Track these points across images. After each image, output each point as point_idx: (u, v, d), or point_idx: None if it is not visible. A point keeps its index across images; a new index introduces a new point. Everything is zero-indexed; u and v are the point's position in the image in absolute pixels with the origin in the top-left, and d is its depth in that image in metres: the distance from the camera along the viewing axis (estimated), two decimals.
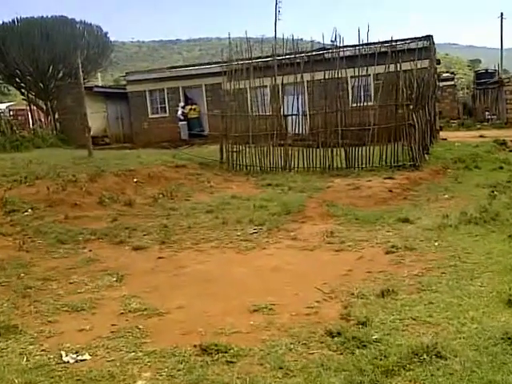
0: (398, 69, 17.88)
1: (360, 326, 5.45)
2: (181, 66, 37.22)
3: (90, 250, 9.48)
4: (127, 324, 5.94)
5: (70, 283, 7.61)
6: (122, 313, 6.31)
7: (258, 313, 6.12)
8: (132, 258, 9.01)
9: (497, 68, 64.41)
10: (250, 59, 19.24)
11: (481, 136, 32.03)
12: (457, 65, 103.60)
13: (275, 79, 19.11)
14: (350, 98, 19.65)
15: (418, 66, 18.70)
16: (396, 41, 19.63)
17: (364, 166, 17.57)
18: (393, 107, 17.95)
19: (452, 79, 61.00)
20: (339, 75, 18.15)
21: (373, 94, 21.40)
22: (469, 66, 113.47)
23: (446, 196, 13.75)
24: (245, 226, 10.85)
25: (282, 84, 19.02)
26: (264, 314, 6.06)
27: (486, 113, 52.75)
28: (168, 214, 12.07)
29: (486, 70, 62.40)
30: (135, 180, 14.69)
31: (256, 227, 10.65)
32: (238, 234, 10.26)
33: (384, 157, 17.54)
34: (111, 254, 9.29)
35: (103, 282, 7.60)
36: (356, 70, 18.27)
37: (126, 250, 9.50)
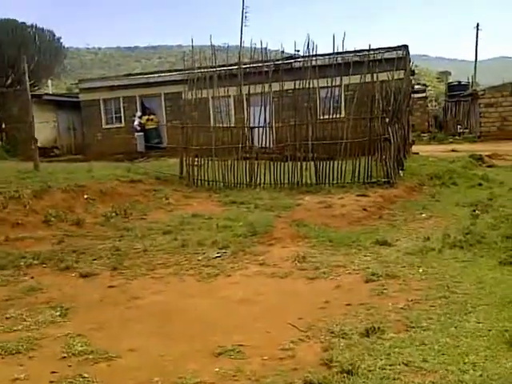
0: (374, 79, 17.46)
1: (345, 375, 4.84)
2: (138, 74, 36.40)
3: (32, 277, 8.73)
4: (70, 371, 5.24)
5: (7, 318, 6.86)
6: (65, 356, 5.60)
7: (225, 356, 5.49)
8: (79, 287, 8.31)
9: (470, 80, 64.91)
10: (213, 67, 18.60)
11: (453, 150, 32.10)
12: (426, 76, 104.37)
13: (240, 89, 18.56)
14: (320, 109, 19.16)
15: (394, 77, 18.27)
16: (369, 50, 19.23)
17: (335, 182, 17.07)
18: (367, 120, 17.47)
19: (423, 91, 61.20)
20: (309, 85, 17.63)
21: (343, 106, 20.94)
22: (438, 77, 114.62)
23: (424, 215, 13.38)
24: (207, 249, 10.22)
25: (249, 94, 18.43)
26: (231, 359, 5.44)
27: (458, 126, 52.97)
28: (121, 235, 11.37)
29: (459, 82, 62.77)
30: (85, 196, 13.95)
31: (219, 250, 10.03)
32: (200, 258, 9.62)
33: (356, 173, 17.07)
34: (55, 281, 8.57)
35: (45, 316, 6.87)
36: (327, 80, 17.76)
37: (73, 278, 8.78)
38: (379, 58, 19.04)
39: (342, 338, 5.79)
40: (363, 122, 17.74)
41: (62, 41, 40.59)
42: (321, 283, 8.08)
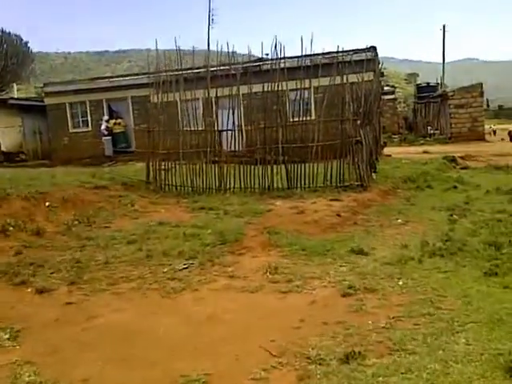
0: (344, 81, 16.92)
1: None
2: (104, 77, 35.65)
3: None
4: None
5: None
6: None
7: None
8: (34, 305, 7.63)
9: (439, 81, 64.99)
10: (179, 70, 17.91)
11: (425, 152, 31.89)
12: (394, 78, 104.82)
13: (208, 91, 17.91)
14: (289, 112, 18.57)
15: (364, 79, 17.77)
16: (338, 52, 18.68)
17: (307, 186, 16.52)
18: (338, 122, 16.94)
19: (393, 93, 61.19)
20: (278, 88, 17.03)
21: (313, 109, 20.40)
22: (406, 79, 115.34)
23: (400, 220, 12.84)
24: (173, 259, 9.57)
25: (217, 97, 17.77)
26: None
27: (428, 127, 52.88)
28: (82, 246, 10.66)
29: (428, 83, 62.82)
30: (47, 204, 13.20)
31: (186, 262, 9.40)
32: (165, 270, 8.97)
33: (329, 176, 16.53)
34: (9, 298, 7.88)
35: None
36: (295, 82, 17.19)
37: (28, 293, 8.09)
38: (348, 59, 18.50)
39: (319, 364, 5.20)
40: (334, 124, 17.21)
41: (29, 45, 39.66)
42: (294, 298, 7.49)
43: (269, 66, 17.91)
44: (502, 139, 46.00)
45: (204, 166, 17.13)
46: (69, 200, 13.87)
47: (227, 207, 14.25)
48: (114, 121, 30.82)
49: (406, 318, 6.38)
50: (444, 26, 73.14)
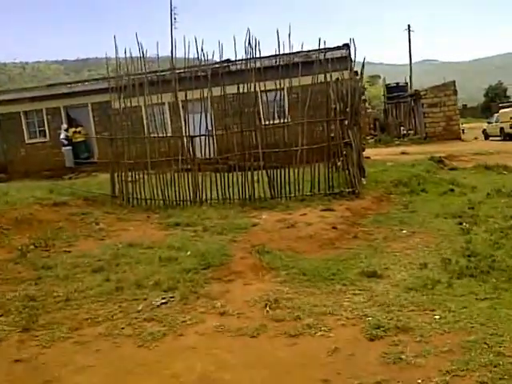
0: (319, 80, 15.48)
1: None
2: (62, 83, 33.83)
3: None
4: None
5: None
6: None
7: None
8: None
9: (407, 81, 64.53)
10: (143, 73, 16.25)
11: (403, 153, 31.24)
12: None
13: (176, 95, 16.28)
14: (263, 114, 17.05)
15: (343, 77, 16.31)
16: (311, 51, 17.22)
17: (293, 194, 15.07)
18: (322, 124, 15.53)
19: (363, 93, 60.31)
20: (251, 89, 15.53)
21: (287, 110, 18.93)
22: (368, 81, 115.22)
23: (405, 231, 11.51)
24: (148, 292, 8.01)
25: (186, 100, 16.06)
26: None
27: (401, 128, 52.20)
28: (38, 277, 9.00)
29: (397, 83, 62.21)
30: None
31: (165, 295, 7.83)
32: (140, 308, 7.39)
33: (316, 183, 15.08)
34: None
35: None
36: (265, 84, 15.73)
37: None
38: (322, 58, 17.03)
39: None
40: (317, 126, 15.83)
41: None
42: (308, 344, 5.98)
43: (240, 65, 16.32)
44: (476, 138, 45.55)
45: (175, 175, 15.56)
46: (23, 220, 12.23)
47: (206, 222, 12.73)
48: (73, 129, 29.15)
49: (465, 372, 4.91)
50: (409, 26, 72.81)
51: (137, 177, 15.97)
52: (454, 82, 45.12)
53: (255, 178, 15.18)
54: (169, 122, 17.71)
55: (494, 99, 78.05)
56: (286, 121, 16.90)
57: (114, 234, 12.31)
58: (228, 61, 21.60)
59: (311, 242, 10.71)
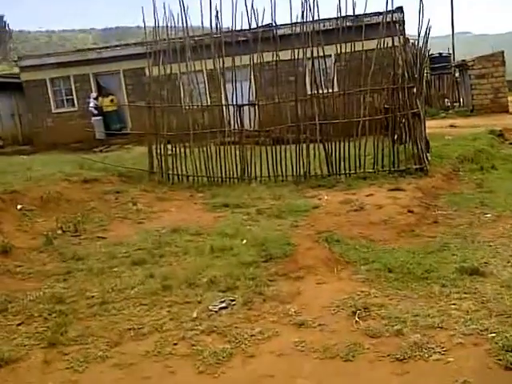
0: (392, 44, 13.98)
1: None
2: (91, 49, 32.49)
3: None
4: None
5: None
6: None
7: None
8: None
9: (450, 52, 62.39)
10: (182, 38, 14.86)
11: (452, 126, 29.73)
12: None
13: (222, 60, 14.67)
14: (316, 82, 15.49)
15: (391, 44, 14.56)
16: (359, 15, 15.59)
17: (353, 171, 13.68)
18: (387, 92, 14.08)
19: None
20: (305, 55, 14.12)
21: (335, 79, 17.47)
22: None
23: (489, 215, 10.19)
24: (202, 292, 6.74)
25: (233, 66, 14.55)
26: None
27: (446, 100, 50.40)
28: (68, 271, 7.77)
29: (440, 53, 60.07)
30: (19, 207, 10.38)
31: (223, 296, 6.55)
32: (194, 314, 6.12)
33: (380, 159, 13.66)
34: None
35: None
36: (316, 49, 14.16)
37: None
38: (375, 22, 15.47)
39: None
40: (380, 95, 14.35)
41: (5, 19, 36.69)
42: (423, 373, 4.68)
43: (293, 29, 14.69)
44: None
45: (221, 149, 14.21)
46: (49, 200, 11.07)
47: (258, 203, 11.47)
48: (104, 98, 27.88)
49: None
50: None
51: (177, 151, 14.65)
52: (503, 52, 43.17)
53: (311, 153, 13.78)
54: (207, 92, 16.26)
55: None
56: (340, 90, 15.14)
57: (153, 216, 11.10)
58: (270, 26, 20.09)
59: (387, 228, 9.37)
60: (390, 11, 14.22)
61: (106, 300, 6.56)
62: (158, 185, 13.93)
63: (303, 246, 8.30)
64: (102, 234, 9.75)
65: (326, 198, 11.47)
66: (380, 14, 15.13)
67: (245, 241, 8.65)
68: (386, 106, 14.36)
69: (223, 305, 6.30)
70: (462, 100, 47.67)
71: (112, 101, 27.81)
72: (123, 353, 5.32)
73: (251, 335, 5.51)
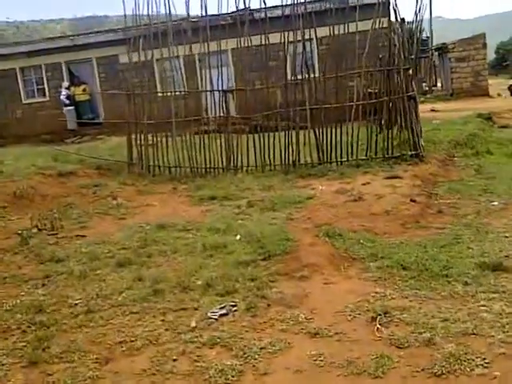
0: (389, 25, 13.46)
1: None
2: (62, 37, 31.62)
3: None
4: None
5: None
6: None
7: None
8: None
9: (428, 35, 62.05)
10: (156, 23, 14.19)
11: (432, 110, 29.28)
12: None
13: (207, 45, 13.90)
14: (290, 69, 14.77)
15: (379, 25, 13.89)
16: None
17: (345, 159, 13.08)
18: (382, 74, 13.47)
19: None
20: (297, 37, 13.51)
21: (317, 64, 16.83)
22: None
23: (496, 203, 9.65)
24: (199, 297, 6.12)
25: (208, 53, 13.85)
26: None
27: (423, 84, 50.12)
28: (46, 275, 7.09)
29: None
30: None
31: (222, 301, 5.94)
32: (193, 323, 5.49)
33: (373, 145, 13.09)
34: None
35: None
36: (307, 31, 13.58)
37: None
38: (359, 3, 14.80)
39: None
40: (374, 76, 13.73)
41: None
42: None
43: (270, 13, 14.01)
44: (499, 94, 43.55)
45: (205, 137, 13.54)
46: (23, 196, 10.41)
47: (247, 195, 10.88)
48: (76, 87, 27.08)
49: None
50: None
51: (158, 140, 13.96)
52: (484, 34, 42.93)
53: (301, 139, 13.17)
54: (183, 79, 15.58)
55: (505, 56, 75.83)
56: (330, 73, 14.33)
57: (136, 211, 10.46)
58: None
59: (390, 219, 8.80)
60: None
61: (91, 308, 5.91)
62: (139, 177, 13.26)
63: (303, 241, 7.71)
64: (81, 231, 9.06)
65: (320, 188, 10.86)
66: None
67: (238, 236, 8.05)
68: (372, 89, 13.74)
69: (224, 311, 5.69)
70: (440, 84, 47.44)
71: (84, 90, 27.04)
72: (116, 371, 4.69)
73: (260, 348, 4.89)
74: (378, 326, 5.12)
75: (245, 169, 13.40)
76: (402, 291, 5.90)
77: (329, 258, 7.05)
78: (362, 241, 7.69)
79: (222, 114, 13.87)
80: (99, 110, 27.03)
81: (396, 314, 5.31)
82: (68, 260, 7.57)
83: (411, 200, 9.63)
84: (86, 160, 13.85)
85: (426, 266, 6.49)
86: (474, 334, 4.83)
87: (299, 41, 13.56)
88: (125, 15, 14.38)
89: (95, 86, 27.20)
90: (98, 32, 29.76)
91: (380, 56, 14.18)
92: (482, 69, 42.89)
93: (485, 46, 43.25)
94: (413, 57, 13.30)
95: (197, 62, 14.57)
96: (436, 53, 49.36)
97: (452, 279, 6.11)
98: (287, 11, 13.53)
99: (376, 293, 5.88)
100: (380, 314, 5.28)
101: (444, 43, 49.53)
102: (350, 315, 5.43)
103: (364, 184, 10.93)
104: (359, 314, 5.41)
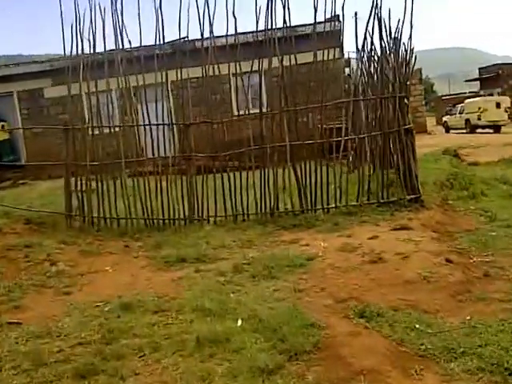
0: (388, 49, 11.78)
1: None
2: None
3: None
4: None
5: None
6: None
7: None
8: None
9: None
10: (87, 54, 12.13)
11: None
12: None
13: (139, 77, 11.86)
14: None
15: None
16: (296, 26, 13.51)
17: (333, 205, 11.14)
18: (375, 103, 11.75)
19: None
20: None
21: (265, 97, 14.99)
22: None
23: None
24: None
25: (144, 85, 11.81)
26: None
27: None
28: None
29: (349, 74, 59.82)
30: None
31: None
32: None
33: (365, 188, 11.19)
34: None
35: None
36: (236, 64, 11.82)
37: None
38: (310, 32, 13.03)
39: None
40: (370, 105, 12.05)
41: None
42: None
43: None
44: (432, 131, 43.43)
45: (164, 181, 11.39)
46: None
47: (225, 254, 8.84)
48: None
49: None
50: (356, 14, 69.54)
51: (102, 185, 11.68)
52: (421, 69, 42.52)
53: (279, 182, 11.16)
54: (117, 114, 13.33)
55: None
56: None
57: (83, 280, 8.14)
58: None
59: (433, 289, 6.77)
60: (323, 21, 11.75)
61: None
62: (80, 233, 10.85)
63: (336, 327, 5.61)
64: (14, 315, 6.63)
65: (322, 244, 8.77)
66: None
67: (240, 321, 5.86)
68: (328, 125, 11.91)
69: None
70: None
71: (3, 127, 24.66)
72: None
73: None
74: None
75: (212, 219, 11.25)
76: None
77: (388, 357, 4.96)
78: (416, 325, 5.64)
79: (172, 154, 11.80)
80: (21, 151, 24.69)
81: None
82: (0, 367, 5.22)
83: (446, 260, 7.65)
84: (12, 212, 11.44)
85: None
86: None
87: (245, 72, 11.71)
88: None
89: (16, 122, 24.93)
90: (20, 63, 27.52)
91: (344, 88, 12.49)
92: (419, 105, 42.58)
93: (421, 81, 42.82)
94: (408, 83, 11.43)
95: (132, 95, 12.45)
96: None
97: None
98: (230, 40, 11.67)
99: None
100: None
101: None
102: None
103: (371, 238, 8.91)
104: None
